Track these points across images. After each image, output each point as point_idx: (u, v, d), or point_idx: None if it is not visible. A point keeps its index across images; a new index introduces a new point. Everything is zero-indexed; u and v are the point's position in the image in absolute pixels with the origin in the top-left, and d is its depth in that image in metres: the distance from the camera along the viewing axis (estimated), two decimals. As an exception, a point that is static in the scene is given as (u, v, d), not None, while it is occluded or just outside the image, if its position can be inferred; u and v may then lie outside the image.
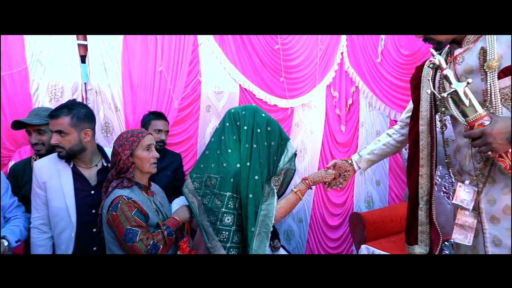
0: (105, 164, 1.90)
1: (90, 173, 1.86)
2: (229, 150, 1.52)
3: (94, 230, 1.79)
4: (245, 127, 1.54)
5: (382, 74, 3.58)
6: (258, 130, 1.54)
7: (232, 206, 1.47)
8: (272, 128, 1.56)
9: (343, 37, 3.61)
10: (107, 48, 2.56)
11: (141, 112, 2.70)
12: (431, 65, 1.20)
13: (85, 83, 2.55)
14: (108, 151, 1.92)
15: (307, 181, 1.62)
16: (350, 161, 1.69)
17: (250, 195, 1.44)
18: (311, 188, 1.67)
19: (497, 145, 1.06)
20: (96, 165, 1.89)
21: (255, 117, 1.56)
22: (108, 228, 1.56)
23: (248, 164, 1.49)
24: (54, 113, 1.73)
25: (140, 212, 1.53)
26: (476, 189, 1.23)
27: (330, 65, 3.56)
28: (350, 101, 3.66)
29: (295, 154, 1.58)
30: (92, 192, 1.83)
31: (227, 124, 1.59)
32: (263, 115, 1.59)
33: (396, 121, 3.53)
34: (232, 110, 1.63)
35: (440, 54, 1.35)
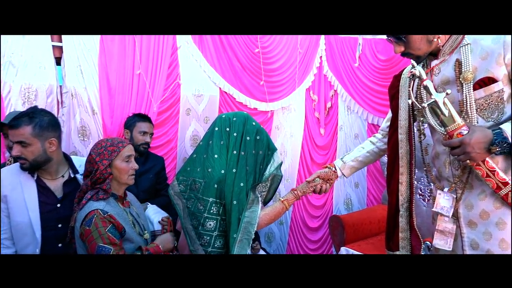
0: (72, 175, 1.76)
1: (56, 185, 1.71)
2: (216, 156, 1.51)
3: (60, 245, 1.68)
4: (235, 134, 1.53)
5: (360, 78, 3.65)
6: (247, 138, 1.53)
7: (215, 212, 1.47)
8: (261, 137, 1.57)
9: (322, 41, 3.66)
10: (83, 50, 2.50)
11: (119, 115, 2.65)
12: (411, 76, 1.23)
13: (60, 86, 2.48)
14: (76, 159, 1.83)
15: (295, 192, 1.62)
16: (333, 168, 1.69)
17: (234, 202, 1.44)
18: (299, 199, 1.67)
19: (475, 154, 1.11)
20: (63, 176, 1.74)
21: (245, 124, 1.56)
22: (81, 242, 1.49)
23: (234, 170, 1.48)
24: (14, 123, 1.57)
25: (115, 228, 1.47)
26: (455, 196, 1.27)
27: (309, 68, 3.60)
28: (329, 105, 3.71)
29: (280, 164, 1.59)
30: (58, 205, 1.69)
31: (217, 129, 1.57)
32: (254, 123, 1.59)
33: (373, 124, 3.61)
34: (223, 116, 1.62)
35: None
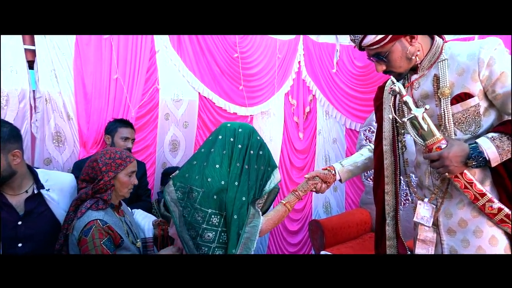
0: (36, 191, 1.60)
1: (18, 201, 1.56)
2: (217, 166, 1.45)
3: None
4: (239, 146, 1.48)
5: (337, 84, 3.71)
6: (251, 152, 1.49)
7: (215, 223, 1.42)
8: (264, 152, 1.52)
9: (300, 46, 3.70)
10: (57, 53, 2.42)
11: (96, 121, 2.58)
12: (391, 92, 1.26)
13: (34, 91, 2.39)
14: (42, 173, 1.69)
15: (297, 193, 1.57)
16: (332, 171, 1.67)
17: (235, 216, 1.40)
18: (301, 199, 1.64)
19: (453, 167, 1.15)
20: (26, 192, 1.59)
21: (250, 137, 1.51)
22: (76, 249, 1.49)
23: (236, 183, 1.43)
24: None
25: (111, 241, 1.48)
26: (435, 206, 1.32)
27: (288, 73, 3.63)
28: (307, 109, 3.76)
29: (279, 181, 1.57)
30: (19, 223, 1.54)
31: (220, 137, 1.51)
32: (258, 137, 1.54)
33: (351, 129, 3.67)
34: (228, 125, 1.56)
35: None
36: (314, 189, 1.61)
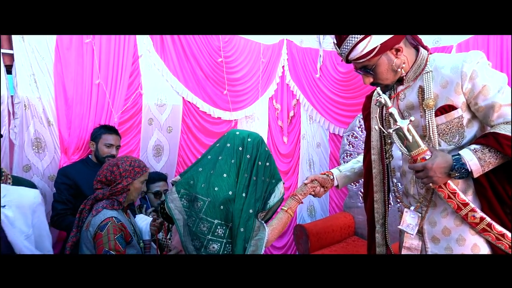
0: None
1: None
2: (224, 175, 1.40)
3: None
4: (248, 156, 1.44)
5: (321, 89, 3.75)
6: (259, 163, 1.45)
7: (221, 234, 1.37)
8: (270, 164, 1.48)
9: (284, 51, 3.72)
10: (36, 58, 2.36)
11: (78, 126, 2.53)
12: (377, 103, 1.28)
13: (12, 96, 2.32)
14: (3, 188, 1.57)
15: (296, 197, 1.54)
16: (331, 177, 1.66)
17: (242, 229, 1.35)
18: (302, 203, 1.59)
19: (436, 178, 1.18)
20: None
21: (259, 148, 1.47)
22: (89, 244, 1.63)
23: (244, 195, 1.38)
24: None
25: (123, 238, 1.62)
26: (420, 214, 1.34)
27: (272, 78, 3.65)
28: (291, 113, 3.78)
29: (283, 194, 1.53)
30: None
31: (228, 145, 1.46)
32: (266, 148, 1.50)
33: (335, 134, 3.71)
34: (237, 133, 1.51)
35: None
36: (313, 193, 1.60)
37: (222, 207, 1.37)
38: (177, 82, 3.02)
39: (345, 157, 3.39)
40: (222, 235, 1.37)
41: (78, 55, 2.52)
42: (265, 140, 3.65)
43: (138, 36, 2.78)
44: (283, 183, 1.52)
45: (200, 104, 3.18)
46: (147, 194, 2.58)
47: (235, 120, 3.42)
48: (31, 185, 2.09)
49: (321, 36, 3.61)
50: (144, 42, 2.83)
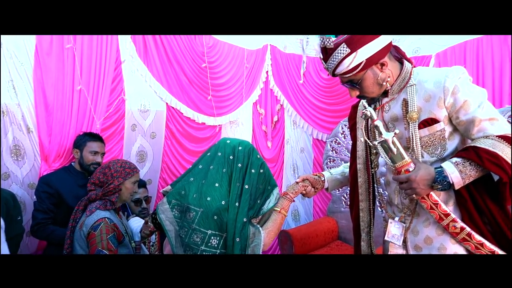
0: None
1: None
2: (216, 184, 1.40)
3: None
4: (239, 165, 1.44)
5: (304, 95, 3.78)
6: (252, 171, 1.45)
7: (215, 245, 1.36)
8: (264, 171, 1.49)
9: (268, 56, 3.74)
10: (15, 63, 2.30)
11: (58, 133, 2.47)
12: (363, 116, 1.31)
13: (-11, 103, 2.25)
14: None
15: (288, 196, 1.55)
16: (322, 178, 1.68)
17: (237, 239, 1.35)
18: (293, 201, 1.59)
19: (419, 190, 1.22)
20: None
21: (250, 156, 1.47)
22: (83, 243, 1.70)
23: (237, 204, 1.38)
24: None
25: (115, 237, 1.71)
26: (404, 225, 1.38)
27: (256, 83, 3.66)
28: (275, 118, 3.80)
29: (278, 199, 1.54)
30: None
31: (219, 154, 1.47)
32: (258, 156, 1.50)
33: (318, 140, 3.75)
34: (228, 141, 1.52)
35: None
36: (304, 192, 1.62)
37: (215, 217, 1.36)
38: (160, 87, 3.00)
39: (328, 162, 3.43)
40: (216, 245, 1.36)
41: (59, 60, 2.46)
42: (249, 145, 3.66)
43: (120, 42, 2.74)
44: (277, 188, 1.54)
45: (184, 109, 3.16)
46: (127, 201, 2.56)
47: (219, 125, 3.41)
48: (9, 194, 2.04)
49: (305, 42, 3.64)
50: (127, 48, 2.79)
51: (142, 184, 2.66)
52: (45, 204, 2.22)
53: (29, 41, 2.33)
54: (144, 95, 2.94)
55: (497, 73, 2.58)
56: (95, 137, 2.43)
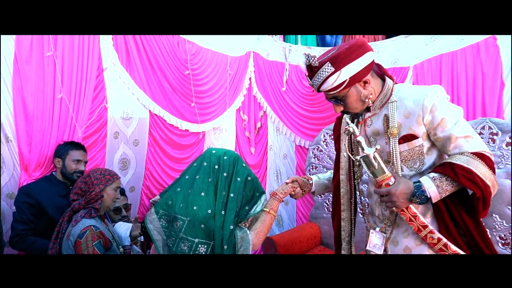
0: None
1: None
2: (202, 193, 1.43)
3: None
4: (225, 174, 1.47)
5: (287, 102, 3.82)
6: (238, 179, 1.48)
7: (202, 253, 1.38)
8: (252, 178, 1.52)
9: (251, 63, 3.77)
10: (-7, 71, 2.24)
11: (39, 142, 2.43)
12: (346, 132, 1.36)
13: (-34, 112, 2.19)
14: None
15: (277, 196, 1.58)
16: (310, 182, 1.73)
17: (225, 246, 1.38)
18: (282, 201, 1.63)
19: (399, 203, 1.27)
20: None
21: (235, 165, 1.50)
22: (71, 252, 1.73)
23: (223, 212, 1.41)
24: None
25: (101, 244, 1.75)
26: (385, 235, 1.44)
27: (239, 89, 3.68)
28: (258, 125, 3.83)
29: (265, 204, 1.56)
30: None
31: (205, 164, 1.49)
32: (244, 164, 1.53)
33: (301, 146, 3.79)
34: (213, 151, 1.54)
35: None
36: (292, 193, 1.66)
37: (202, 225, 1.39)
38: (143, 95, 2.99)
39: (311, 169, 3.48)
40: (204, 253, 1.39)
41: (39, 68, 2.42)
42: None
43: (102, 49, 2.72)
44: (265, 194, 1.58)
45: (167, 116, 3.16)
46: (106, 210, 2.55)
47: (202, 132, 3.42)
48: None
49: (287, 50, 3.69)
50: (109, 55, 2.77)
51: (121, 192, 2.64)
52: (25, 214, 2.18)
53: (7, 49, 2.28)
54: (126, 102, 2.92)
55: (470, 85, 2.70)
56: (77, 146, 2.41)
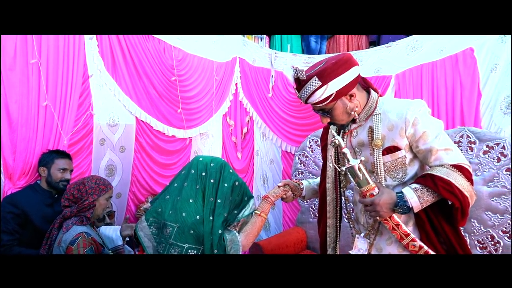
0: None
1: None
2: (191, 200, 1.46)
3: None
4: (212, 180, 1.50)
5: (273, 108, 3.86)
6: (225, 185, 1.51)
7: None
8: (240, 183, 1.56)
9: (237, 69, 3.80)
10: (-24, 79, 2.21)
11: (23, 150, 2.40)
12: (332, 144, 1.41)
13: None
14: None
15: (269, 199, 1.63)
16: (301, 186, 1.78)
17: (215, 251, 1.41)
18: (274, 204, 1.67)
19: (383, 213, 1.33)
20: None
21: (222, 172, 1.54)
22: None
23: (211, 218, 1.45)
24: None
25: (93, 251, 1.76)
26: (369, 241, 1.49)
27: (226, 95, 3.71)
28: (245, 130, 3.86)
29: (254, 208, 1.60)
30: None
31: (193, 171, 1.53)
32: (231, 170, 1.57)
33: (287, 152, 3.84)
34: (201, 159, 1.58)
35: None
36: (284, 196, 1.72)
37: (191, 231, 1.43)
38: (129, 101, 2.98)
39: (297, 175, 3.53)
40: None
41: (23, 76, 2.39)
42: (220, 156, 3.69)
43: (88, 56, 2.70)
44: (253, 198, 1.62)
45: (154, 123, 3.16)
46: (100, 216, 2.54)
47: (189, 137, 3.43)
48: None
49: (273, 56, 3.73)
50: (95, 62, 2.75)
51: None
52: (10, 225, 2.15)
53: (-10, 57, 2.25)
54: (112, 109, 2.91)
55: (450, 95, 2.80)
56: (63, 154, 2.39)
